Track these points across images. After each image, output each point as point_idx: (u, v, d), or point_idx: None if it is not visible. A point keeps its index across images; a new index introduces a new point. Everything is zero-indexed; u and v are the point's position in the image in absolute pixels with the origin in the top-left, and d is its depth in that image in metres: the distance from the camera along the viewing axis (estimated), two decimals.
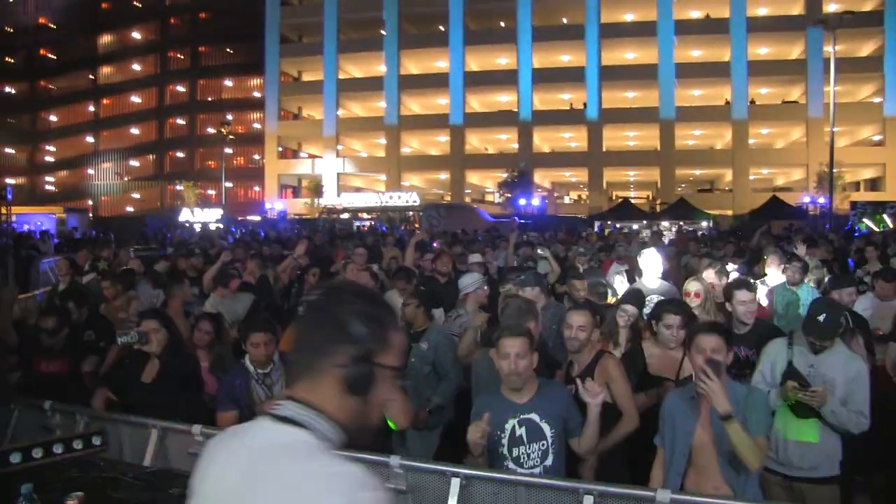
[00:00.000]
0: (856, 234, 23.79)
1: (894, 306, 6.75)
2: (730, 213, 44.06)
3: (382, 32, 53.92)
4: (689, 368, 4.51)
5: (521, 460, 3.83)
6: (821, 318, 4.43)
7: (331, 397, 1.55)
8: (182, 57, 62.49)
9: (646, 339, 5.33)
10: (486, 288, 6.93)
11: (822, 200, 39.03)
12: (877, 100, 48.87)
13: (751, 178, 51.34)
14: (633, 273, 8.84)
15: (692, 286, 6.13)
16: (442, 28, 53.35)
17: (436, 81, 53.98)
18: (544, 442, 3.83)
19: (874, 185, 50.83)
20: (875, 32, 47.49)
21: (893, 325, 6.32)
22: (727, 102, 49.99)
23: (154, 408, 4.53)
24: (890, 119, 47.22)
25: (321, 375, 1.55)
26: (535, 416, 3.84)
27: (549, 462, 3.83)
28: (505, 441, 3.84)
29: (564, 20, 52.81)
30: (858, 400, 4.33)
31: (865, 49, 49.75)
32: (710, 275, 6.77)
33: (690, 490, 3.69)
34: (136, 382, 4.97)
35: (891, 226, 29.03)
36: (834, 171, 34.29)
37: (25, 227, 30.12)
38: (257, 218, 47.95)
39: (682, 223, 36.42)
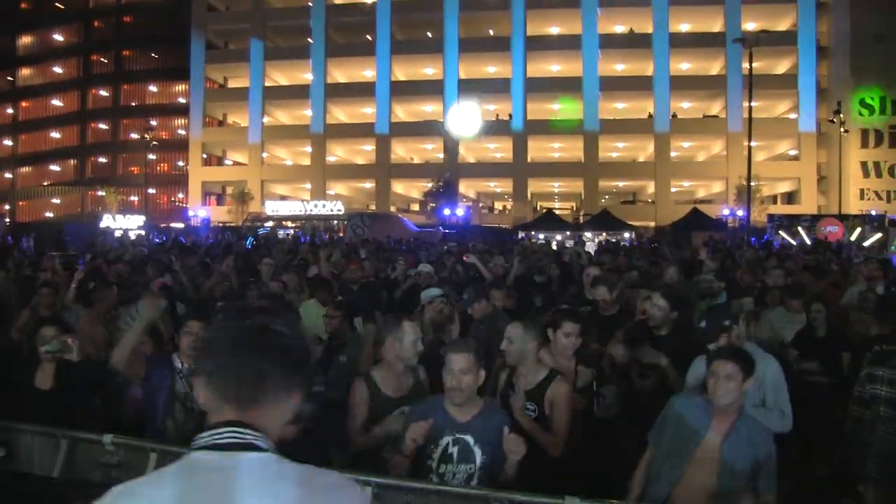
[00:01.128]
0: (775, 246, 24.45)
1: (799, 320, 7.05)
2: (652, 224, 44.83)
3: (309, 40, 53.66)
4: (582, 379, 4.76)
5: (447, 478, 3.73)
6: (702, 324, 4.66)
7: (275, 425, 1.58)
8: (105, 60, 61.19)
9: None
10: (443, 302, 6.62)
11: (740, 213, 39.86)
12: (792, 116, 50.28)
13: (672, 190, 52.31)
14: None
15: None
16: (369, 37, 53.28)
17: (362, 90, 53.92)
18: (472, 465, 3.73)
19: (790, 198, 52.21)
20: (790, 51, 48.97)
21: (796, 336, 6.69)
22: (650, 116, 50.84)
23: (53, 417, 4.32)
24: (805, 134, 48.64)
25: (272, 404, 1.57)
26: (469, 439, 3.75)
27: (473, 485, 3.72)
28: (436, 456, 3.75)
29: (491, 32, 53.25)
30: (780, 400, 4.55)
31: (781, 67, 51.20)
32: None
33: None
34: (30, 389, 4.68)
35: (805, 239, 29.87)
36: (752, 184, 35.12)
37: None
38: (180, 225, 47.25)
39: (604, 234, 36.99)
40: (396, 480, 3.55)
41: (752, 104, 35.19)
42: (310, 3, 53.61)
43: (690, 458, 3.74)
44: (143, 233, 41.05)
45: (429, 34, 53.96)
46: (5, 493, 3.56)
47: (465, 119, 49.57)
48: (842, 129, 41.14)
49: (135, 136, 56.33)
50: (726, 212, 43.68)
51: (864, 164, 48.40)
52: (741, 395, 3.75)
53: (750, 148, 34.70)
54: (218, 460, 1.46)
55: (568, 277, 10.50)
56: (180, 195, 57.72)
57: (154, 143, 50.37)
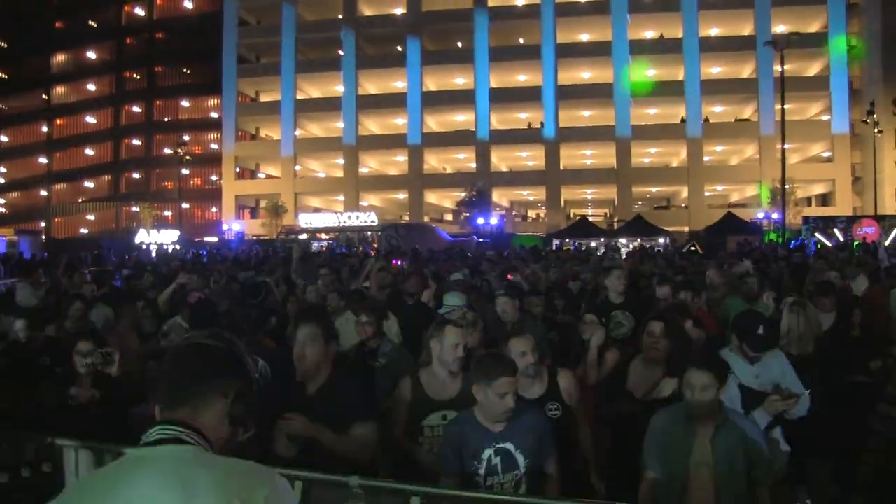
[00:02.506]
0: (810, 250, 24.34)
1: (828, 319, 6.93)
2: (686, 229, 44.67)
3: (340, 53, 53.97)
4: (666, 388, 4.66)
5: (496, 490, 3.74)
6: (760, 331, 4.65)
7: (213, 424, 1.75)
8: (138, 77, 61.70)
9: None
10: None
11: (775, 216, 39.70)
12: (825, 117, 50.01)
13: (706, 194, 52.08)
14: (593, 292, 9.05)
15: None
16: (399, 48, 53.54)
17: (394, 101, 54.10)
18: (517, 472, 3.75)
19: (825, 200, 51.93)
20: (821, 53, 48.72)
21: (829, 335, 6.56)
22: (682, 120, 50.75)
23: (90, 431, 4.26)
24: (838, 136, 48.37)
25: (205, 404, 1.76)
26: (509, 446, 3.75)
27: (522, 492, 3.77)
28: (482, 471, 3.75)
29: (521, 41, 53.33)
30: (797, 387, 4.61)
31: (812, 69, 50.97)
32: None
33: None
34: (64, 405, 4.71)
35: (841, 239, 29.76)
36: (786, 186, 35.00)
37: None
38: (214, 239, 47.59)
39: (639, 240, 36.94)
40: (444, 490, 3.56)
41: (785, 107, 35.10)
42: (340, 16, 53.98)
43: (687, 467, 3.80)
44: (177, 247, 41.54)
45: (459, 44, 54.21)
46: None
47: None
48: (876, 130, 40.89)
49: (168, 151, 56.79)
50: (760, 215, 43.55)
51: None
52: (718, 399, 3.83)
53: (784, 150, 34.58)
54: (138, 453, 1.64)
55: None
56: (214, 209, 58.08)
57: (187, 157, 50.73)
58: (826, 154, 50.76)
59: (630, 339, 6.03)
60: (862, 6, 48.89)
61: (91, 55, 63.59)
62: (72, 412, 4.66)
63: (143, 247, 41.66)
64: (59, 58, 64.82)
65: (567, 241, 36.76)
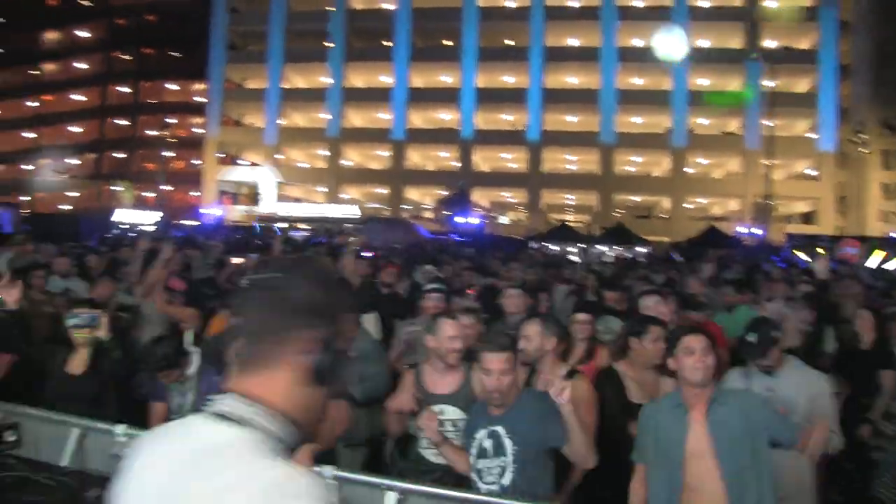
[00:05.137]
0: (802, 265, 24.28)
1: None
2: (667, 239, 44.47)
3: (328, 44, 53.83)
4: (666, 389, 4.42)
5: (482, 474, 3.66)
6: (750, 337, 4.45)
7: (285, 389, 1.39)
8: (127, 58, 61.82)
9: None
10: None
11: (757, 231, 39.59)
12: (812, 135, 49.82)
13: (688, 206, 51.97)
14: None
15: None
16: (388, 43, 53.41)
17: (379, 96, 54.01)
18: (504, 458, 3.63)
19: (807, 218, 51.74)
20: (810, 70, 48.54)
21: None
22: (667, 130, 50.59)
23: (78, 402, 4.34)
24: (823, 154, 48.16)
25: (276, 365, 1.39)
26: (500, 430, 3.66)
27: (505, 481, 3.61)
28: (474, 451, 3.70)
29: (509, 42, 53.15)
30: (824, 416, 4.21)
31: (801, 85, 50.76)
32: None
33: None
34: (60, 372, 4.71)
35: (824, 258, 29.51)
36: (769, 202, 34.89)
37: None
38: (196, 223, 47.44)
39: (619, 248, 36.78)
40: (421, 486, 3.50)
41: (771, 122, 34.97)
42: (330, 8, 53.84)
43: (682, 456, 3.57)
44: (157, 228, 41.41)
45: (447, 42, 54.04)
46: (16, 480, 3.50)
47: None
48: (862, 149, 40.70)
49: (152, 132, 56.75)
50: (743, 230, 43.41)
51: (885, 186, 47.90)
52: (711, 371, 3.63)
53: (768, 165, 34.43)
54: (202, 426, 1.35)
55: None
56: (195, 193, 57.98)
57: (171, 140, 50.75)
58: (811, 172, 50.58)
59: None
60: (853, 25, 48.65)
61: (81, 34, 63.69)
62: (65, 382, 4.69)
63: (124, 226, 41.51)
64: (50, 35, 64.91)
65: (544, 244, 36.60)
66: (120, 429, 3.87)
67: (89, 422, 4.03)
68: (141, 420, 4.40)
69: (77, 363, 4.73)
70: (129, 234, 31.78)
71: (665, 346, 4.12)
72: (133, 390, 4.93)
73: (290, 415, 1.37)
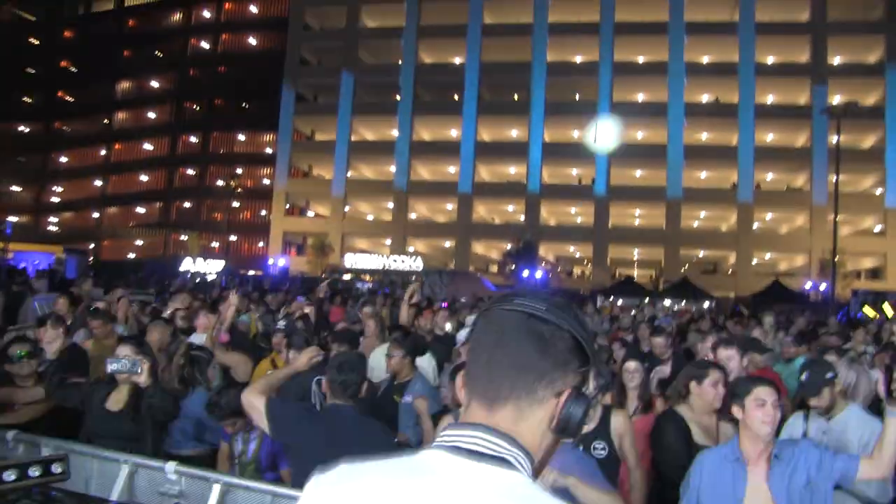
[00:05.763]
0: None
1: None
2: (732, 294, 44.34)
3: (397, 97, 54.68)
4: (726, 433, 4.41)
5: None
6: (803, 377, 4.47)
7: (533, 432, 1.27)
8: (197, 108, 63.20)
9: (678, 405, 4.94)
10: None
11: (823, 287, 39.31)
12: (878, 191, 49.63)
13: (754, 261, 51.72)
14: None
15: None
16: (456, 97, 54.15)
17: (447, 149, 54.67)
18: None
19: (875, 274, 51.26)
20: (877, 125, 48.50)
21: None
22: (734, 186, 50.59)
23: (116, 439, 4.36)
24: (891, 210, 47.84)
25: (531, 404, 1.26)
26: None
27: None
28: None
29: (577, 96, 53.68)
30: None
31: (867, 141, 50.66)
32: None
33: None
34: (99, 408, 4.73)
35: (889, 314, 29.27)
36: (836, 258, 34.68)
37: (22, 265, 29.92)
38: (259, 273, 47.98)
39: (683, 302, 36.74)
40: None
41: (838, 178, 34.86)
42: (400, 62, 54.81)
43: None
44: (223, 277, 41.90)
45: (515, 96, 54.69)
46: None
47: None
48: None
49: (220, 182, 57.72)
50: (808, 285, 43.15)
51: None
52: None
53: (836, 222, 34.27)
54: (456, 465, 1.19)
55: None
56: (261, 244, 58.69)
57: (239, 190, 51.51)
58: (878, 228, 50.25)
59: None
60: None
61: (154, 84, 65.36)
62: (104, 419, 4.71)
63: (188, 275, 42.09)
64: (124, 85, 66.59)
65: (611, 299, 36.66)
66: (170, 466, 3.86)
67: (140, 459, 4.04)
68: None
69: (116, 400, 4.73)
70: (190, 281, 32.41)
71: (728, 393, 4.14)
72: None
73: (532, 458, 1.26)
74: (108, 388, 4.80)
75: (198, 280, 35.91)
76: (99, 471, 4.11)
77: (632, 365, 5.50)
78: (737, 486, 3.48)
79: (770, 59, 51.29)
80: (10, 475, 3.21)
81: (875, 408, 5.05)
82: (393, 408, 5.79)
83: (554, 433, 1.29)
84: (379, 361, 6.55)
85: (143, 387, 4.60)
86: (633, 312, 20.60)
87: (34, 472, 3.31)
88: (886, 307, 30.82)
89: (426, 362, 6.98)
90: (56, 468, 3.40)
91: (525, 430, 1.25)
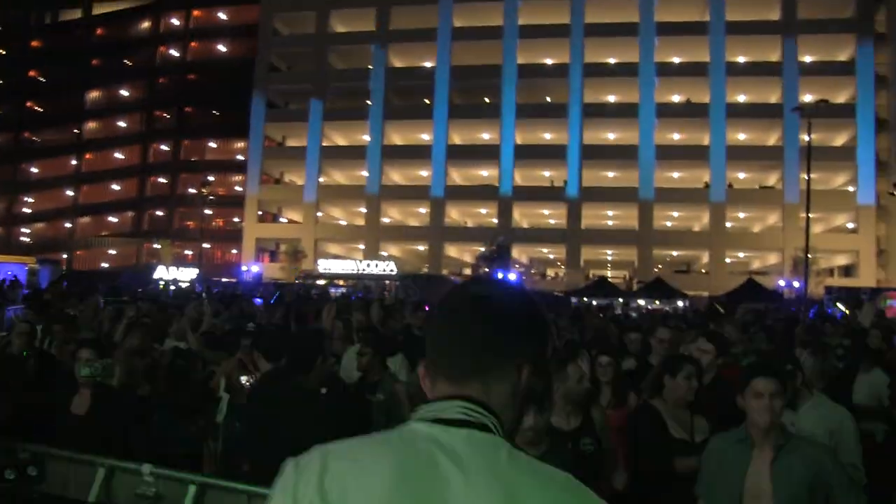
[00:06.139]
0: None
1: None
2: (706, 294, 44.28)
3: (368, 102, 54.52)
4: (701, 427, 4.55)
5: None
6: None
7: (501, 404, 1.35)
8: (168, 116, 62.79)
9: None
10: None
11: (796, 284, 39.32)
12: (850, 188, 49.78)
13: (727, 260, 51.83)
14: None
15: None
16: (427, 101, 54.04)
17: (418, 153, 54.62)
18: None
19: (848, 271, 51.44)
20: (848, 123, 48.71)
21: None
22: (706, 185, 50.65)
23: (88, 442, 4.28)
24: (863, 207, 48.02)
25: (497, 378, 1.36)
26: None
27: None
28: None
29: (548, 99, 53.66)
30: (846, 451, 4.36)
31: (839, 139, 50.86)
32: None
33: None
34: (66, 413, 4.63)
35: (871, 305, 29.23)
36: (809, 256, 34.69)
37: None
38: (234, 280, 47.66)
39: (657, 302, 36.70)
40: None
41: (810, 176, 34.89)
42: (370, 67, 54.66)
43: (740, 492, 3.51)
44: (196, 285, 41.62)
45: (486, 99, 54.64)
46: None
47: None
48: None
49: (192, 190, 57.42)
50: (782, 283, 43.16)
51: None
52: (780, 415, 3.60)
53: (808, 219, 34.27)
54: (442, 434, 1.28)
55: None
56: (234, 251, 58.37)
57: (211, 198, 51.17)
58: (850, 225, 50.40)
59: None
60: (890, 78, 48.86)
61: (123, 93, 64.91)
62: (69, 422, 4.63)
63: (162, 283, 41.77)
64: (93, 94, 66.14)
65: (585, 299, 36.63)
66: (147, 468, 3.88)
67: (115, 461, 4.04)
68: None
69: (80, 404, 4.63)
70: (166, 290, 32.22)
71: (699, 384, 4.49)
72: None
73: (504, 428, 1.34)
74: (72, 390, 4.72)
75: (172, 288, 35.71)
76: (75, 473, 4.13)
77: (604, 359, 5.61)
78: (739, 465, 3.58)
79: (741, 59, 51.40)
80: None
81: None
82: (365, 407, 5.80)
83: (519, 404, 1.38)
84: (350, 362, 6.75)
85: (115, 388, 4.65)
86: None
87: (10, 475, 3.44)
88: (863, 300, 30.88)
89: (398, 362, 7.07)
90: (31, 471, 3.54)
91: (494, 403, 1.33)
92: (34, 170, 68.45)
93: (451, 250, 55.96)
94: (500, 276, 42.20)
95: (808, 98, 47.23)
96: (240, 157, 58.73)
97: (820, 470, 3.45)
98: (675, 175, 53.40)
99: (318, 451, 1.31)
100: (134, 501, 3.72)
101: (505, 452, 1.27)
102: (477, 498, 1.21)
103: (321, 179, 56.00)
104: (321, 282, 46.34)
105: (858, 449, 4.46)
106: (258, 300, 17.92)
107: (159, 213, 62.55)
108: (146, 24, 64.81)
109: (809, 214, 34.74)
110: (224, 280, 47.67)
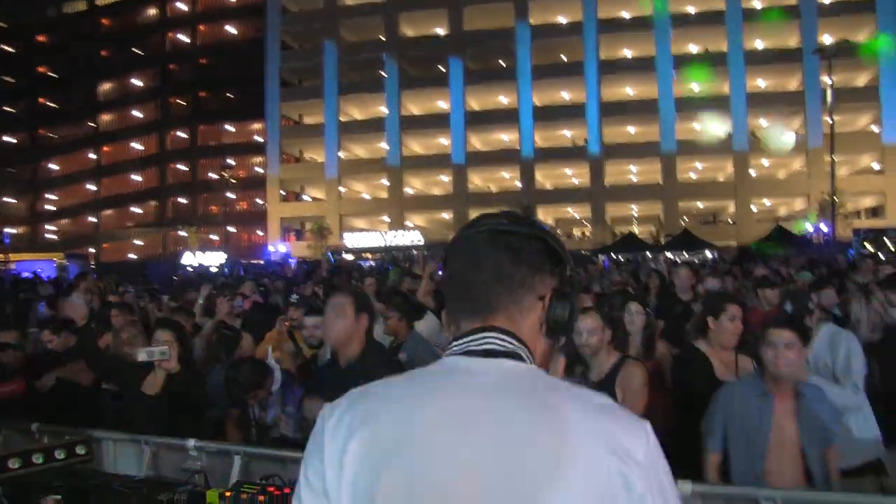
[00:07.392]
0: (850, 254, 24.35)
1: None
2: (734, 244, 44.07)
3: (383, 74, 54.26)
4: (746, 368, 4.43)
5: None
6: (787, 307, 4.93)
7: (529, 333, 1.36)
8: (182, 103, 62.62)
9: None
10: None
11: (825, 229, 39.11)
12: (875, 128, 49.21)
13: (753, 209, 51.50)
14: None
15: None
16: (442, 68, 53.70)
17: (437, 122, 54.31)
18: None
19: (875, 212, 51.06)
20: (869, 63, 47.91)
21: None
22: (728, 135, 50.20)
23: (157, 421, 4.40)
24: (888, 147, 47.39)
25: (520, 308, 1.36)
26: None
27: None
28: None
29: (563, 58, 53.16)
30: (854, 373, 4.72)
31: (861, 79, 50.19)
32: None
33: None
34: (137, 394, 4.67)
35: (893, 249, 29.14)
36: (835, 199, 34.48)
37: (24, 275, 29.81)
38: (261, 262, 47.82)
39: (685, 253, 36.55)
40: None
41: (833, 119, 34.57)
42: (382, 38, 54.33)
43: (766, 446, 3.55)
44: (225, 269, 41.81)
45: (501, 62, 54.25)
46: (90, 488, 3.67)
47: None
48: None
49: (213, 175, 57.47)
50: (810, 228, 42.89)
51: None
52: (796, 365, 3.63)
53: (833, 162, 34.01)
54: (472, 364, 1.29)
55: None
56: (259, 232, 58.49)
57: (232, 181, 51.28)
58: (876, 166, 49.89)
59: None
60: None
61: (136, 82, 64.65)
62: (140, 403, 4.69)
63: (190, 269, 42.00)
64: (105, 86, 65.99)
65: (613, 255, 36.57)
66: (191, 443, 4.03)
67: (162, 439, 4.22)
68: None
69: (152, 384, 4.67)
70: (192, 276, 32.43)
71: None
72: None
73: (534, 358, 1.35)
74: (145, 371, 4.75)
75: (201, 273, 35.92)
76: (123, 453, 4.39)
77: (633, 306, 5.51)
78: (763, 420, 3.59)
79: (757, 4, 50.66)
80: (37, 458, 3.45)
81: None
82: (397, 368, 5.80)
83: (545, 336, 1.39)
84: (380, 326, 6.70)
85: (173, 373, 4.63)
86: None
87: (60, 454, 3.55)
88: (887, 242, 30.74)
89: (427, 322, 7.05)
90: (80, 450, 3.63)
91: (522, 333, 1.34)
92: (53, 166, 68.56)
93: (476, 216, 55.51)
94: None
95: (828, 39, 46.69)
96: (258, 139, 58.52)
97: (828, 413, 3.61)
98: (697, 126, 52.91)
99: (349, 392, 1.34)
100: (183, 476, 3.78)
101: (541, 379, 1.29)
102: (519, 422, 1.20)
103: (341, 154, 55.86)
104: (349, 256, 46.52)
105: (862, 370, 4.78)
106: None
107: (182, 200, 62.56)
108: (152, 11, 64.24)
109: (834, 157, 34.52)
110: (252, 262, 47.95)
